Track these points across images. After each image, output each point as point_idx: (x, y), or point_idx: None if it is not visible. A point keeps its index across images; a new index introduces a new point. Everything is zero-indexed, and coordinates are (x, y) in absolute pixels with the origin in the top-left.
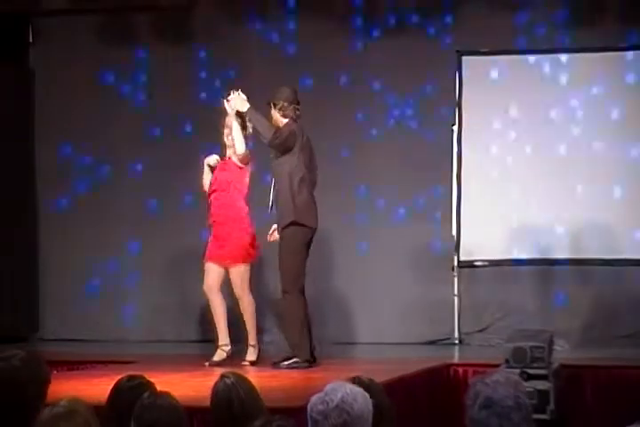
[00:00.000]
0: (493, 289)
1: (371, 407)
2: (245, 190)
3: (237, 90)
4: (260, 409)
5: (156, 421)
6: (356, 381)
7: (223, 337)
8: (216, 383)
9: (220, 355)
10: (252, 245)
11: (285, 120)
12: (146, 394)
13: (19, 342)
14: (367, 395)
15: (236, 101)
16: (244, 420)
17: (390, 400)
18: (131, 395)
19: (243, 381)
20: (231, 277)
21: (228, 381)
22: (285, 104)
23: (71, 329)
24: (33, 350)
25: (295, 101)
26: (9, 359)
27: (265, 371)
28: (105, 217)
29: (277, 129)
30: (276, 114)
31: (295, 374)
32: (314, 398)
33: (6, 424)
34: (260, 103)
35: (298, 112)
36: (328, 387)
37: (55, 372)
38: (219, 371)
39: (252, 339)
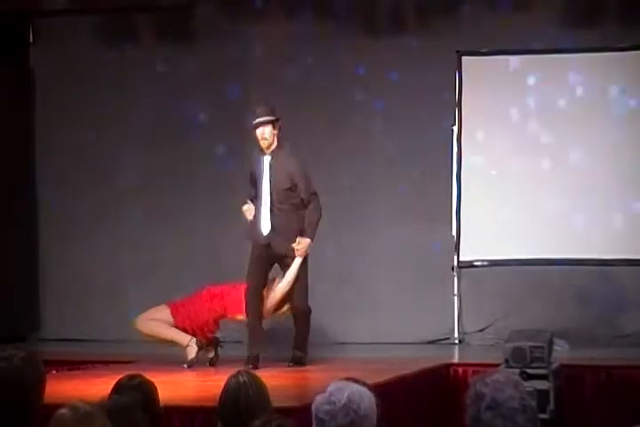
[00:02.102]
0: (493, 289)
1: (375, 407)
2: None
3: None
4: (266, 410)
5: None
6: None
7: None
8: (229, 379)
9: (191, 352)
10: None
11: (276, 140)
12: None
13: (18, 342)
14: (372, 394)
15: (304, 250)
16: (247, 418)
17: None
18: (131, 395)
19: (255, 381)
20: None
21: (241, 379)
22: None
23: (71, 329)
24: (31, 350)
25: None
26: (10, 359)
27: (265, 371)
28: (105, 217)
29: (311, 195)
30: (275, 134)
31: (295, 374)
32: (319, 398)
33: (9, 425)
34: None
35: None
36: (332, 386)
37: (55, 372)
38: (219, 371)
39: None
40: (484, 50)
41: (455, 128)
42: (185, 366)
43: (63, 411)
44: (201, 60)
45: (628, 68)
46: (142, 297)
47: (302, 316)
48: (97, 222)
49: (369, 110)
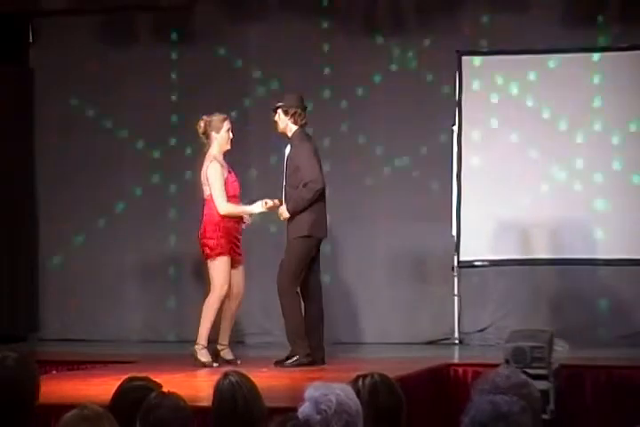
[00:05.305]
0: (493, 289)
1: (357, 400)
2: None
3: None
4: (262, 409)
5: (162, 421)
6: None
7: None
8: (219, 382)
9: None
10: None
11: (295, 127)
12: (153, 394)
13: (18, 342)
14: (351, 389)
15: (283, 215)
16: (247, 419)
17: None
18: (135, 396)
19: (246, 380)
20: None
21: (232, 379)
22: (298, 111)
23: (71, 329)
24: (25, 351)
25: (304, 108)
26: (4, 361)
27: (264, 371)
28: (105, 217)
29: (306, 177)
30: (286, 120)
31: (295, 373)
32: (306, 410)
33: (4, 425)
34: (260, 101)
35: (305, 119)
36: (312, 393)
37: (55, 372)
38: (218, 372)
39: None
40: (483, 50)
41: (455, 128)
42: (215, 364)
43: (73, 412)
44: (201, 60)
45: (628, 67)
46: (142, 297)
47: (279, 297)
48: (97, 222)
49: (369, 110)
